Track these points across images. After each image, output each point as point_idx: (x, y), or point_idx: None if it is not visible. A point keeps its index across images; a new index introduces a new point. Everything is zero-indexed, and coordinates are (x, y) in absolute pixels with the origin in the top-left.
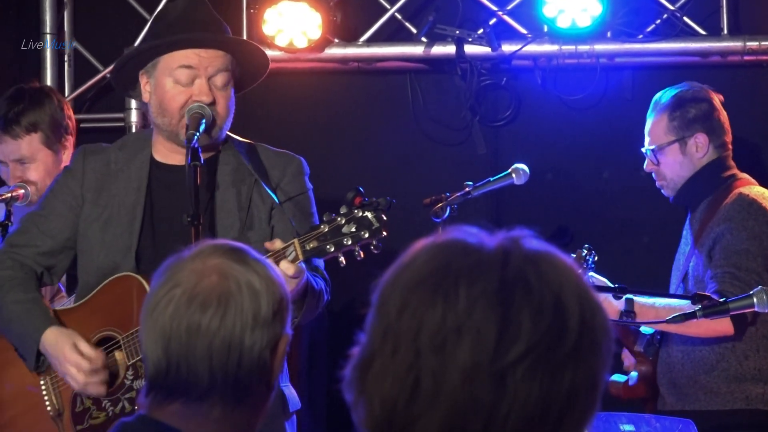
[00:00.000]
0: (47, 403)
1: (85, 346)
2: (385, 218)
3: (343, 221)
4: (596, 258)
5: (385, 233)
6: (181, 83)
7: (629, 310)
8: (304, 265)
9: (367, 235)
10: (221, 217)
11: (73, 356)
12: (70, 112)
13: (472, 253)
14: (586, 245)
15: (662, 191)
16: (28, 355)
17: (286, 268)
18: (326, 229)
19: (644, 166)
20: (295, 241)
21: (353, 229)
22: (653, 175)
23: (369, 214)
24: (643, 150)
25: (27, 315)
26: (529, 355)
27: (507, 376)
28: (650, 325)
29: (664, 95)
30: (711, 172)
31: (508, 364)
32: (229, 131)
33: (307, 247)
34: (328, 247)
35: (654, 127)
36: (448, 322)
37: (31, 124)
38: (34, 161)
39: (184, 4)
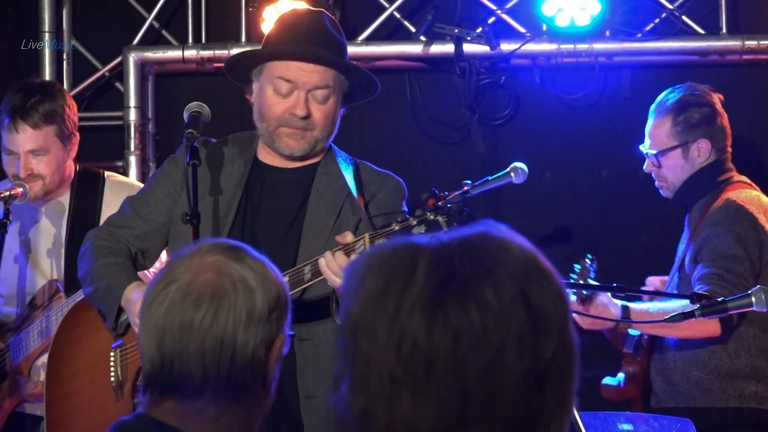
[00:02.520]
0: (112, 374)
1: None
2: (455, 225)
3: (415, 222)
4: (597, 268)
5: None
6: (281, 94)
7: (625, 317)
8: None
9: None
10: (310, 223)
11: None
12: (75, 109)
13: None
14: (589, 255)
15: (660, 191)
16: (109, 311)
17: None
18: (397, 228)
19: (644, 167)
20: (366, 235)
21: (422, 232)
22: (653, 175)
23: (440, 219)
24: (644, 150)
25: (115, 273)
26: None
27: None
28: (643, 328)
29: (667, 97)
30: (706, 175)
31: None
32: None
33: (376, 243)
34: None
35: (656, 130)
36: (489, 332)
37: (48, 114)
38: (47, 153)
39: (306, 16)
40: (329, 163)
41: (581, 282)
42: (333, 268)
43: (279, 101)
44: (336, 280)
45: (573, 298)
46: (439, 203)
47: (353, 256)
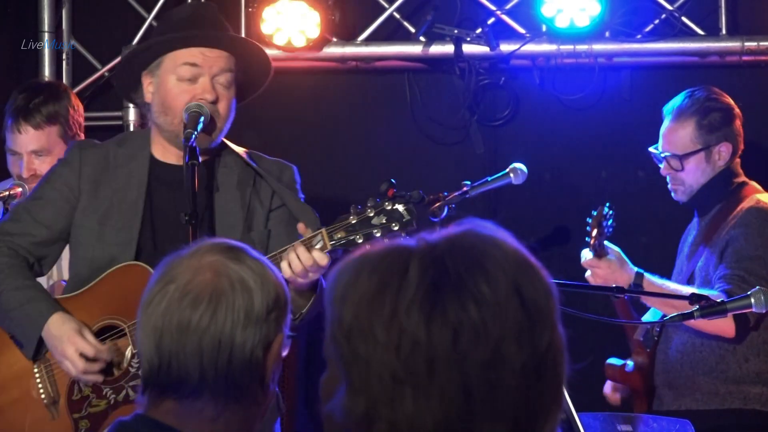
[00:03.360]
0: (41, 390)
1: (90, 335)
2: (415, 211)
3: (373, 213)
4: (613, 221)
5: (414, 226)
6: (185, 80)
7: (637, 284)
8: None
9: (397, 228)
10: (222, 218)
11: (78, 340)
12: (81, 110)
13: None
14: (608, 203)
15: (673, 195)
16: (27, 341)
17: (319, 258)
18: (354, 221)
19: (662, 170)
20: (323, 230)
21: (383, 221)
22: (668, 178)
23: (400, 207)
24: (660, 153)
25: (30, 301)
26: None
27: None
28: (653, 302)
29: (687, 100)
30: (725, 179)
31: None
32: (228, 130)
33: (335, 237)
34: (356, 237)
35: (678, 133)
36: (488, 326)
37: (51, 115)
38: (50, 154)
39: (191, 7)
40: (226, 156)
41: (595, 229)
42: (293, 260)
43: (185, 89)
44: (286, 270)
45: (589, 254)
46: (397, 192)
47: (314, 252)
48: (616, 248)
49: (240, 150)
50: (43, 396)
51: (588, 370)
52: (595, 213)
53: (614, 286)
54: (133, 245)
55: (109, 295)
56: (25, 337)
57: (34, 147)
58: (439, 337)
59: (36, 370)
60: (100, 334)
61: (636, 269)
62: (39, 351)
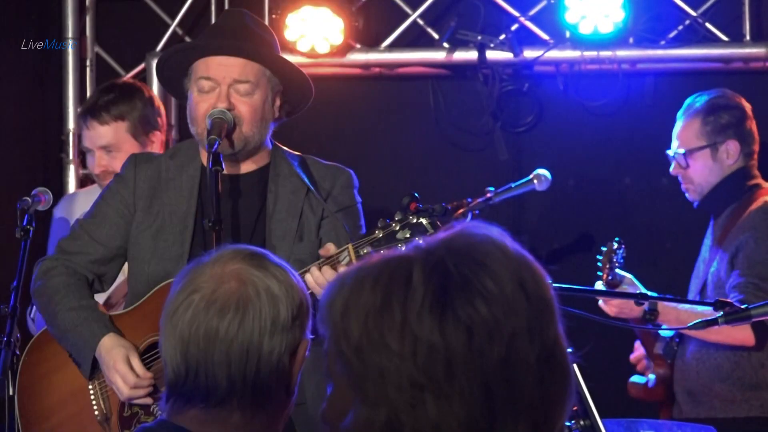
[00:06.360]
0: (95, 407)
1: (136, 362)
2: (439, 224)
3: (398, 227)
4: (625, 254)
5: None
6: (203, 92)
7: (653, 309)
8: None
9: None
10: (273, 227)
11: (122, 367)
12: (162, 110)
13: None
14: (617, 239)
15: (686, 195)
16: (83, 361)
17: None
18: (380, 235)
19: (671, 169)
20: (350, 246)
21: (407, 235)
22: (679, 178)
23: (424, 221)
24: (670, 153)
25: (84, 322)
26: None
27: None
28: (671, 324)
29: (696, 100)
30: (737, 180)
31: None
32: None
33: (361, 252)
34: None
35: (685, 131)
36: (499, 321)
37: (118, 110)
38: (119, 150)
39: (221, 16)
40: (278, 164)
41: (607, 265)
42: (321, 283)
43: (202, 99)
44: (316, 289)
45: (599, 284)
46: (420, 206)
47: (340, 268)
48: (629, 275)
49: (295, 155)
50: (96, 413)
51: (611, 377)
52: (604, 248)
53: (638, 292)
54: (184, 258)
55: (156, 312)
56: (81, 357)
57: (103, 143)
58: (454, 338)
59: (90, 387)
60: (150, 349)
61: (652, 294)
62: (94, 369)
